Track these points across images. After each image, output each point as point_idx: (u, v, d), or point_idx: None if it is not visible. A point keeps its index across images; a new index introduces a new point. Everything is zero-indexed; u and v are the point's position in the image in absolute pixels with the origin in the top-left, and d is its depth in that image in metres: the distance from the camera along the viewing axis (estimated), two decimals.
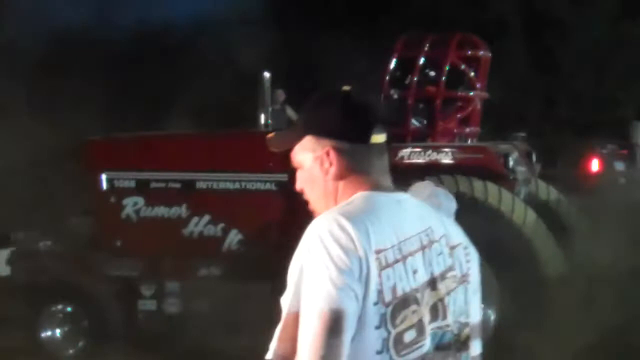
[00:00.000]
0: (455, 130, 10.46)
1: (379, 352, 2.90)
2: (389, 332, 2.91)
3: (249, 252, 10.05)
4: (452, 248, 3.18)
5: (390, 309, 2.92)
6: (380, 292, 2.89)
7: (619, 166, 16.48)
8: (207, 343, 10.64)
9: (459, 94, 10.44)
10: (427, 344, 3.03)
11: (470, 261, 3.25)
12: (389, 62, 10.13)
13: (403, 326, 2.95)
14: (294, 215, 9.98)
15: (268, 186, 10.11)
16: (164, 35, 16.81)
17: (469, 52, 10.57)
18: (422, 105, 10.38)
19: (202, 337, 10.81)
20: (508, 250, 9.11)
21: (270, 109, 10.65)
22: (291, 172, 9.37)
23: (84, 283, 10.34)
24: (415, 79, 10.07)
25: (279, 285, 8.66)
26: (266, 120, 10.50)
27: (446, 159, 9.69)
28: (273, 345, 2.90)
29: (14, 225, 11.23)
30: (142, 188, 10.46)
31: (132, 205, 10.45)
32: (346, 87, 3.16)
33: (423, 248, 3.07)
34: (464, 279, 3.22)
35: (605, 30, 29.65)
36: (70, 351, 10.23)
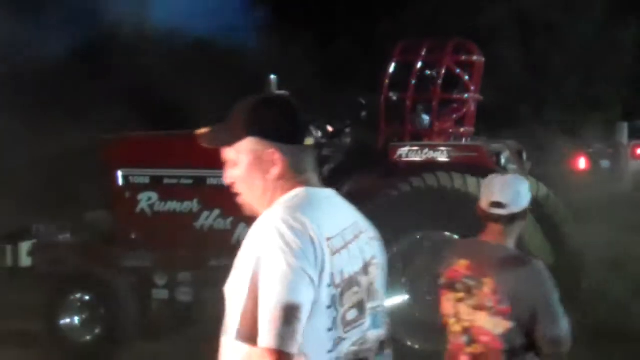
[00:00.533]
0: (450, 130, 10.45)
1: (330, 330, 3.06)
2: (337, 311, 3.08)
3: None
4: (371, 239, 3.31)
5: (339, 290, 3.09)
6: (332, 275, 3.05)
7: (605, 164, 16.47)
8: (218, 330, 10.65)
9: (454, 96, 10.45)
10: (367, 322, 3.20)
11: (382, 252, 3.36)
12: (388, 66, 10.08)
13: (348, 306, 3.12)
14: None
15: None
16: (174, 40, 16.79)
17: (464, 57, 10.56)
18: (421, 107, 10.35)
19: (213, 324, 10.77)
20: None
21: None
22: None
23: (101, 273, 10.32)
24: (413, 82, 10.01)
25: None
26: None
27: (442, 157, 9.68)
28: (236, 327, 3.03)
29: (35, 219, 11.17)
30: (155, 184, 10.43)
31: (147, 200, 10.41)
32: (283, 92, 3.22)
33: (355, 238, 3.22)
34: (382, 267, 3.35)
35: (592, 36, 29.68)
36: (88, 337, 10.19)
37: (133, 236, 10.46)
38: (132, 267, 10.36)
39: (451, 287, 4.87)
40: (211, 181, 10.22)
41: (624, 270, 12.63)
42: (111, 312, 10.11)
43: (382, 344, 3.31)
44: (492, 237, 4.85)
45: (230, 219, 10.10)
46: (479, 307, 4.71)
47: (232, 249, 9.25)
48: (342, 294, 3.07)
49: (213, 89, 17.11)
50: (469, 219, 9.11)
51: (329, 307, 3.05)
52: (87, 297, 10.20)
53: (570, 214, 10.23)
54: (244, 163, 3.20)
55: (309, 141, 3.25)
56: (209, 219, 10.19)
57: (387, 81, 10.08)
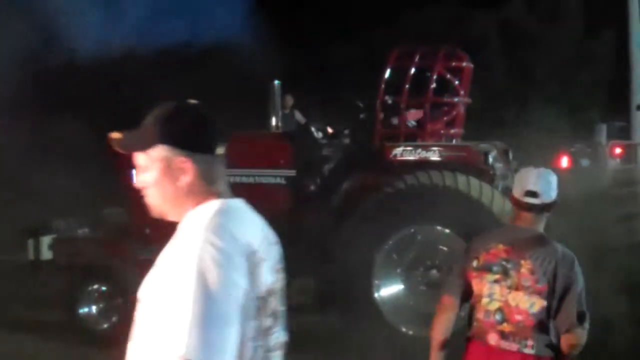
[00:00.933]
0: (442, 131, 10.46)
1: (254, 339, 2.95)
2: (259, 321, 2.97)
3: None
4: (274, 244, 3.20)
5: (261, 300, 2.98)
6: (259, 286, 2.95)
7: (585, 163, 16.49)
8: None
9: (445, 99, 10.43)
10: (279, 329, 3.11)
11: (281, 256, 3.26)
12: (384, 72, 10.10)
13: (265, 315, 3.01)
14: (301, 205, 10.01)
15: (278, 180, 10.10)
16: (184, 48, 16.77)
17: (454, 63, 10.56)
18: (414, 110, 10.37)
19: None
20: None
21: (280, 114, 10.62)
22: (298, 168, 9.36)
23: (117, 266, 10.31)
24: (407, 86, 10.03)
25: (288, 268, 8.59)
26: (277, 123, 10.49)
27: (434, 156, 9.69)
28: (183, 340, 2.78)
29: (55, 215, 11.20)
30: None
31: None
32: (194, 101, 3.11)
33: (268, 245, 3.12)
34: (283, 271, 3.26)
35: (572, 45, 29.70)
36: (105, 325, 10.20)
37: (146, 231, 10.46)
38: (146, 259, 10.33)
39: (488, 269, 4.92)
40: None
41: (602, 259, 12.67)
42: (127, 301, 10.12)
43: (285, 346, 3.26)
44: (523, 224, 4.97)
45: None
46: (515, 287, 4.83)
47: None
48: (263, 304, 2.99)
49: (220, 93, 17.14)
50: (459, 214, 9.27)
51: (254, 317, 2.96)
52: (104, 288, 10.23)
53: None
54: (154, 170, 3.06)
55: (220, 151, 3.17)
56: None
57: (382, 85, 10.08)
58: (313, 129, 10.72)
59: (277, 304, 3.11)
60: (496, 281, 4.88)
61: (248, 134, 10.92)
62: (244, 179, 10.18)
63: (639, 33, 16.31)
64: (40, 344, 10.06)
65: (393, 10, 27.65)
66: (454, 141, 10.51)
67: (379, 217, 9.48)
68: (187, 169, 3.02)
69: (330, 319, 9.88)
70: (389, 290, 9.64)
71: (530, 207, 4.93)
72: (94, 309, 10.23)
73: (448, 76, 10.45)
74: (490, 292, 4.90)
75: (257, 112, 10.59)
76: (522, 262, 4.83)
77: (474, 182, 9.37)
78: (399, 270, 9.68)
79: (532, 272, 4.80)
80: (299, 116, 15.13)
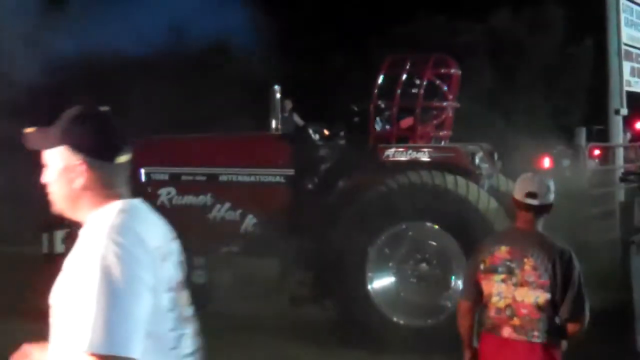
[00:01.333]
0: (431, 134, 10.45)
1: (172, 330, 2.97)
2: (177, 312, 2.99)
3: (262, 233, 10.04)
4: (174, 240, 3.19)
5: (174, 293, 2.99)
6: (168, 280, 2.97)
7: (566, 163, 16.49)
8: (228, 308, 10.70)
9: (435, 104, 10.42)
10: (191, 320, 3.13)
11: (180, 250, 3.28)
12: (377, 78, 10.09)
13: (183, 305, 3.05)
14: (299, 202, 10.01)
15: (277, 179, 10.10)
16: (194, 56, 16.77)
17: (443, 70, 10.56)
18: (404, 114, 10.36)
19: (224, 303, 10.84)
20: (473, 230, 9.08)
21: (279, 116, 10.62)
22: (296, 167, 9.33)
23: None
24: (399, 91, 10.02)
25: (285, 260, 8.53)
26: (276, 125, 10.48)
27: (424, 157, 9.70)
28: (89, 337, 2.72)
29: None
30: (174, 180, 10.46)
31: (166, 194, 10.43)
32: (104, 108, 3.08)
33: (171, 241, 3.13)
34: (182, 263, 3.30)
35: (554, 54, 29.77)
36: None
37: None
38: None
39: (494, 270, 5.13)
40: (222, 178, 10.28)
41: (579, 251, 12.67)
42: None
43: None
44: (523, 225, 5.21)
45: (239, 211, 10.15)
46: (520, 284, 5.04)
47: (240, 238, 9.35)
48: (178, 295, 3.01)
49: (223, 96, 17.15)
50: (447, 211, 9.28)
51: (170, 310, 2.97)
52: None
53: None
54: (55, 169, 3.03)
55: (123, 158, 3.06)
56: (221, 211, 10.22)
57: (376, 91, 10.09)
58: (311, 131, 10.72)
59: (188, 294, 3.15)
60: (502, 280, 5.09)
61: (249, 135, 10.94)
62: (245, 178, 10.21)
63: (615, 42, 16.29)
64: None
65: (386, 21, 27.66)
66: (442, 143, 10.52)
67: (373, 214, 9.47)
68: (81, 172, 2.99)
69: (326, 309, 9.87)
70: (381, 282, 9.64)
71: (530, 208, 5.16)
72: None
73: (437, 82, 10.45)
74: (499, 291, 5.11)
75: (258, 115, 10.57)
76: (525, 260, 5.05)
77: (462, 181, 9.38)
78: (390, 264, 9.68)
79: (534, 269, 5.02)
80: (297, 119, 15.14)
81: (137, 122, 12.16)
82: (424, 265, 9.64)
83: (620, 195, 14.89)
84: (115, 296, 2.73)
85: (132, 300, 2.78)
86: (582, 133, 16.12)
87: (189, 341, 3.11)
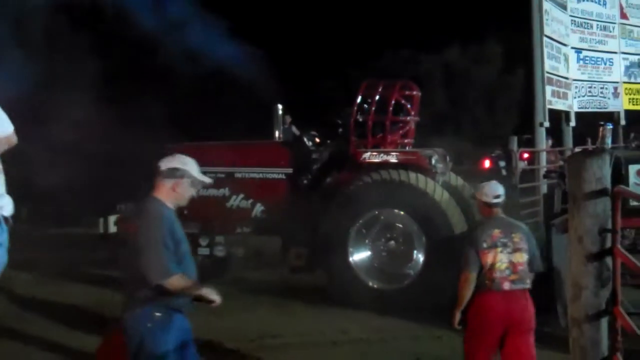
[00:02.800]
0: (398, 141, 10.47)
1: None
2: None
3: (267, 218, 10.06)
4: None
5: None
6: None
7: (502, 164, 16.54)
8: (243, 276, 10.79)
9: (400, 118, 10.44)
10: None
11: None
12: (356, 98, 10.12)
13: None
14: (296, 194, 10.06)
15: (280, 176, 10.13)
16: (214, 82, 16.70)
17: (407, 92, 10.59)
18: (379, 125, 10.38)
19: (238, 271, 10.89)
20: (431, 216, 9.16)
21: (281, 128, 10.66)
22: (294, 167, 9.31)
23: None
24: (373, 109, 10.05)
25: (286, 238, 8.49)
26: (278, 135, 10.53)
27: (392, 159, 9.73)
28: None
29: (121, 198, 11.16)
30: None
31: None
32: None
33: None
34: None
35: (494, 79, 29.85)
36: None
37: (185, 212, 10.41)
38: (185, 233, 10.33)
39: (495, 245, 5.64)
40: (237, 175, 10.30)
41: None
42: None
43: None
44: (495, 215, 5.84)
45: (250, 201, 10.17)
46: (514, 250, 5.66)
47: (251, 221, 9.36)
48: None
49: (233, 112, 17.14)
50: (411, 200, 9.33)
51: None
52: None
53: None
54: None
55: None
56: (236, 201, 10.23)
57: (355, 108, 10.12)
58: (305, 139, 10.76)
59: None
60: (501, 251, 5.63)
61: (258, 142, 10.97)
62: (255, 175, 10.23)
63: (540, 71, 16.34)
64: (107, 294, 9.99)
65: (364, 55, 27.80)
66: (407, 148, 10.54)
67: (353, 203, 9.51)
68: None
69: (318, 276, 9.91)
70: (360, 255, 9.68)
71: (498, 205, 5.85)
72: None
73: (403, 101, 10.49)
74: (501, 258, 5.62)
75: (265, 127, 10.62)
76: (513, 235, 5.71)
77: (421, 177, 9.42)
78: (367, 241, 9.71)
79: (520, 239, 5.70)
80: (295, 130, 15.12)
81: (173, 132, 12.22)
82: (392, 242, 9.68)
83: (544, 189, 14.97)
84: None
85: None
86: (514, 141, 16.16)
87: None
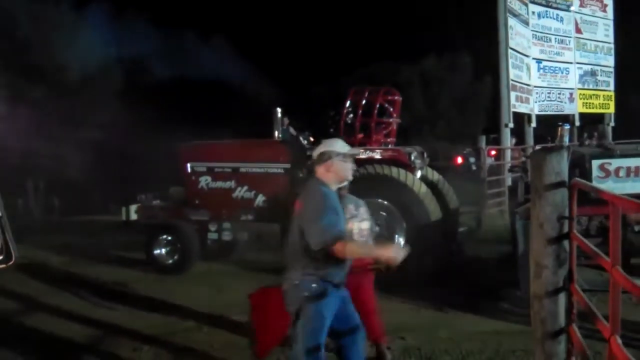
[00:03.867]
0: (382, 140, 10.39)
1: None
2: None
3: (268, 207, 9.99)
4: None
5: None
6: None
7: (472, 160, 16.54)
8: (247, 257, 10.73)
9: (384, 120, 10.38)
10: None
11: None
12: (345, 103, 10.06)
13: None
14: (293, 186, 9.97)
15: (279, 170, 10.04)
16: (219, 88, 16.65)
17: (390, 97, 10.51)
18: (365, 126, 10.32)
19: (244, 254, 10.83)
20: (410, 206, 9.10)
21: (280, 129, 10.58)
22: (291, 163, 9.24)
23: (178, 223, 10.25)
24: (360, 112, 9.99)
25: (284, 225, 8.42)
26: (277, 134, 10.45)
27: (377, 155, 9.65)
28: None
29: (140, 190, 11.12)
30: (210, 171, 10.38)
31: (204, 181, 10.38)
32: None
33: None
34: None
35: (466, 86, 29.85)
36: (170, 261, 10.10)
37: (197, 202, 10.40)
38: (196, 219, 10.29)
39: (351, 217, 5.68)
40: (242, 169, 10.20)
41: (483, 219, 12.77)
42: (184, 246, 10.07)
43: None
44: None
45: (253, 192, 10.09)
46: (362, 220, 5.88)
47: (254, 210, 9.28)
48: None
49: (236, 115, 17.06)
50: (393, 191, 9.28)
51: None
52: (169, 238, 10.12)
53: (451, 188, 10.29)
54: None
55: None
56: (241, 192, 10.15)
57: (344, 111, 10.05)
58: (301, 138, 10.69)
59: None
60: (353, 220, 5.82)
61: (260, 141, 10.93)
62: (257, 169, 10.15)
63: (505, 78, 16.35)
64: (129, 273, 10.08)
65: (352, 64, 27.80)
66: (390, 146, 10.48)
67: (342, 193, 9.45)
68: None
69: None
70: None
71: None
72: (163, 251, 10.14)
73: (386, 105, 10.42)
74: (355, 225, 5.83)
75: (266, 128, 10.55)
76: (360, 208, 6.04)
77: (402, 172, 9.35)
78: None
79: (364, 212, 6.03)
80: (292, 130, 15.00)
81: (186, 132, 12.14)
82: (377, 228, 9.62)
83: (509, 182, 15.00)
84: None
85: None
86: (483, 139, 16.17)
87: None
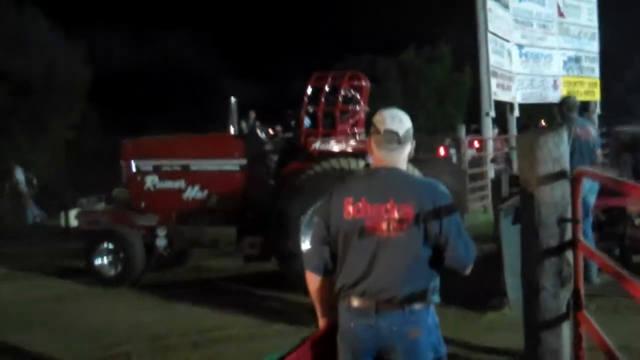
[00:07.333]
0: (348, 130, 9.27)
1: None
2: None
3: (223, 208, 8.93)
4: None
5: None
6: None
7: (453, 151, 15.71)
8: (198, 263, 9.92)
9: (350, 108, 9.24)
10: None
11: None
12: (306, 89, 8.92)
13: None
14: (250, 184, 8.91)
15: (233, 167, 8.98)
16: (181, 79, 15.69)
17: (356, 83, 9.39)
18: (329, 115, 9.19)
19: (195, 259, 9.95)
20: None
21: (235, 119, 9.46)
22: (248, 158, 8.07)
23: (121, 229, 9.12)
24: (323, 99, 8.85)
25: (241, 228, 7.27)
26: (233, 127, 9.35)
27: (342, 148, 8.56)
28: None
29: (80, 193, 10.17)
30: (156, 170, 9.31)
31: (151, 181, 9.30)
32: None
33: None
34: None
35: (445, 76, 29.67)
36: (112, 272, 8.98)
37: (143, 205, 9.34)
38: (142, 225, 9.22)
39: None
40: (192, 168, 9.17)
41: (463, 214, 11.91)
42: (128, 254, 8.95)
43: None
44: None
45: (205, 192, 9.07)
46: None
47: (207, 212, 8.17)
48: None
49: (195, 109, 16.12)
50: None
51: None
52: (111, 246, 8.98)
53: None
54: None
55: None
56: (192, 192, 9.10)
57: (305, 99, 8.92)
58: (259, 131, 9.59)
59: None
60: None
61: (212, 135, 9.88)
62: (210, 167, 9.11)
63: (485, 65, 15.56)
64: (67, 284, 9.10)
65: (329, 57, 27.17)
66: (356, 137, 9.39)
67: (304, 191, 8.34)
68: None
69: (271, 263, 8.82)
70: None
71: None
72: (105, 260, 8.99)
73: (352, 92, 9.31)
74: None
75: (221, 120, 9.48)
76: None
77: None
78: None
79: None
80: (259, 126, 14.06)
81: (137, 125, 11.17)
82: None
83: (491, 174, 14.40)
84: None
85: None
86: (462, 129, 15.37)
87: None
